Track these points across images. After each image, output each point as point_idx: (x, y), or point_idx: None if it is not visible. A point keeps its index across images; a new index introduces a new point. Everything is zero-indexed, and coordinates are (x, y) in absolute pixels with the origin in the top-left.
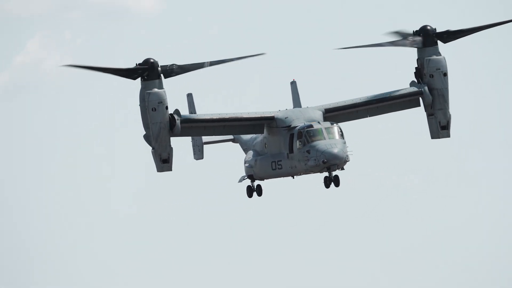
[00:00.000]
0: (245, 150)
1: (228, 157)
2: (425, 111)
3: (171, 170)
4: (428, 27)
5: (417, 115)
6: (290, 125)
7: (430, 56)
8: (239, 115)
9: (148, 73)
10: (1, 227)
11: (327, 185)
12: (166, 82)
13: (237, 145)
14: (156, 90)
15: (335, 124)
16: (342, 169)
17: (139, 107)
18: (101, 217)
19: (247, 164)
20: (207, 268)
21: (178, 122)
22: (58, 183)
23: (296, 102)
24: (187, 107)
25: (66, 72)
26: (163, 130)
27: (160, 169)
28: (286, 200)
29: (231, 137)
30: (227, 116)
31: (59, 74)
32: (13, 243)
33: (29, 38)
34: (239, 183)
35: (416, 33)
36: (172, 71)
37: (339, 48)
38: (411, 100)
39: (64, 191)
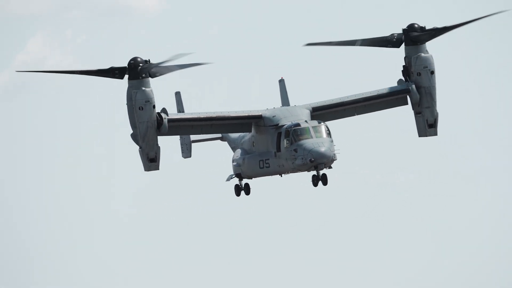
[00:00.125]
0: (233, 149)
1: (216, 155)
2: (413, 109)
3: (158, 169)
4: (416, 25)
5: (405, 113)
6: (278, 124)
7: (418, 54)
8: (226, 114)
9: (134, 72)
10: (0, 227)
11: (315, 184)
12: (155, 80)
13: (226, 144)
14: (143, 89)
15: (322, 123)
16: (330, 167)
17: (126, 106)
18: (94, 217)
19: (235, 163)
20: (195, 267)
21: (165, 121)
22: (58, 183)
23: (285, 100)
24: (175, 105)
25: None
26: (150, 129)
27: (147, 168)
28: (274, 199)
29: (219, 135)
30: (214, 115)
31: (60, 74)
32: (12, 243)
33: (30, 37)
34: (227, 181)
35: (404, 31)
36: (157, 71)
37: (307, 44)
38: (399, 98)
39: (60, 191)
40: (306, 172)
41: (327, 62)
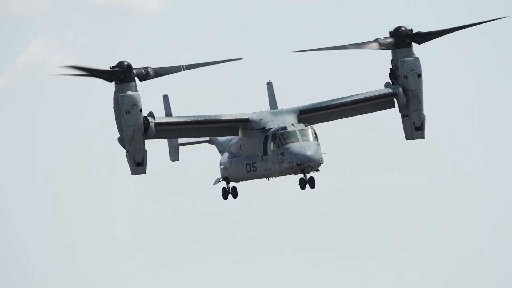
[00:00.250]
0: (221, 152)
1: (204, 158)
2: (400, 112)
3: (145, 173)
4: (402, 28)
5: (392, 116)
6: (265, 127)
7: (404, 57)
8: (213, 118)
9: (124, 75)
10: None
11: (302, 187)
12: (143, 83)
13: (213, 147)
14: (130, 93)
15: (309, 126)
16: (317, 170)
17: (113, 110)
18: (92, 218)
19: (222, 166)
20: (181, 270)
21: (152, 124)
22: (57, 184)
23: (273, 103)
24: (163, 109)
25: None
26: (137, 133)
27: (134, 172)
28: (261, 202)
29: (207, 138)
30: (201, 119)
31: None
32: (11, 243)
33: (31, 38)
34: (214, 185)
35: (390, 35)
36: (148, 74)
37: (296, 51)
38: (386, 101)
39: (59, 191)
40: (293, 176)
41: (314, 65)
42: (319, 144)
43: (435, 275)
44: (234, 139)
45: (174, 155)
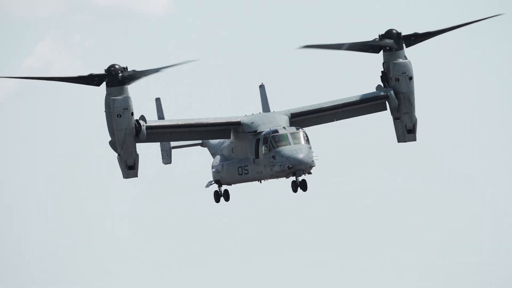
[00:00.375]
0: (213, 155)
1: (196, 161)
2: (391, 114)
3: (136, 177)
4: (394, 31)
5: (384, 119)
6: (256, 130)
7: (396, 60)
8: (205, 121)
9: (112, 79)
10: None
11: (294, 190)
12: (136, 86)
13: (206, 149)
14: (121, 96)
15: (300, 129)
16: (309, 173)
17: (104, 113)
18: (90, 218)
19: (214, 169)
20: (173, 272)
21: (143, 128)
22: (57, 184)
23: (265, 106)
24: (155, 112)
25: (73, 73)
26: (128, 136)
27: (126, 175)
28: (253, 205)
29: (199, 141)
30: (193, 122)
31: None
32: (10, 243)
33: (38, 41)
34: (206, 188)
35: (381, 37)
36: (133, 76)
37: (301, 47)
38: (377, 104)
39: (58, 191)
40: (285, 178)
41: (306, 68)
42: (310, 147)
43: (430, 276)
44: (226, 142)
45: (167, 158)
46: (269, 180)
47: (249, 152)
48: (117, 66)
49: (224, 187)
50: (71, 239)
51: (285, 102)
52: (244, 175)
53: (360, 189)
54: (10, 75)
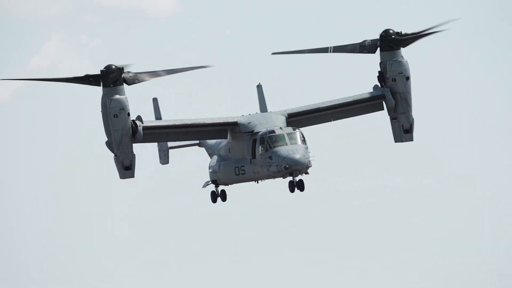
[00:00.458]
0: (210, 155)
1: (193, 161)
2: (388, 114)
3: (133, 177)
4: (391, 31)
5: (381, 119)
6: (253, 131)
7: (393, 60)
8: (201, 121)
9: (108, 79)
10: None
11: (291, 190)
12: (133, 86)
13: (203, 149)
14: (117, 96)
15: (297, 130)
16: (307, 173)
17: (101, 114)
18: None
19: (211, 169)
20: (170, 273)
21: (140, 128)
22: (56, 184)
23: (263, 106)
24: (153, 112)
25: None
26: (125, 137)
27: (122, 176)
28: (250, 205)
29: (196, 141)
30: (189, 122)
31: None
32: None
33: (44, 41)
34: (203, 188)
35: (380, 37)
36: (135, 78)
37: (275, 53)
38: (374, 104)
39: (58, 191)
40: (282, 179)
41: (303, 68)
42: (307, 148)
43: (428, 276)
44: (223, 142)
45: (164, 158)
46: (266, 180)
47: (246, 153)
48: (113, 67)
49: (221, 187)
50: (68, 239)
51: (283, 102)
52: (241, 176)
53: (357, 189)
54: (15, 75)
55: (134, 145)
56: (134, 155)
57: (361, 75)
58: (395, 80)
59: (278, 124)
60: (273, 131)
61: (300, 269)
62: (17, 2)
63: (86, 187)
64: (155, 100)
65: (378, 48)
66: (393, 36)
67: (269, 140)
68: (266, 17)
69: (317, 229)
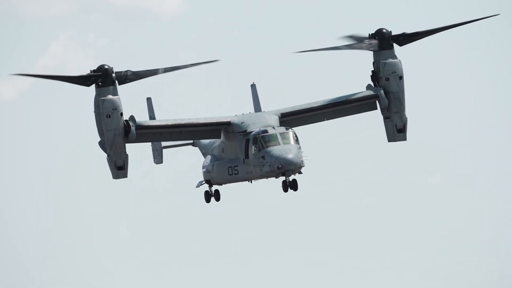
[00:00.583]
0: (204, 154)
1: (187, 161)
2: (382, 114)
3: (126, 177)
4: (384, 30)
5: (374, 118)
6: (246, 130)
7: (386, 59)
8: (194, 121)
9: (102, 79)
10: None
11: (285, 190)
12: (127, 85)
13: (197, 149)
14: (110, 96)
15: (290, 129)
16: (300, 173)
17: (93, 114)
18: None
19: (204, 169)
20: (164, 272)
21: (133, 128)
22: (55, 184)
23: (257, 105)
24: (147, 111)
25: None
26: (117, 137)
27: (115, 176)
28: (244, 205)
29: (190, 141)
30: (182, 122)
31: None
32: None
33: (52, 41)
34: (197, 188)
35: (371, 36)
36: (126, 77)
37: (297, 52)
38: (368, 104)
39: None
40: (275, 178)
41: (297, 67)
42: (300, 147)
43: (426, 276)
44: (217, 142)
45: (158, 158)
46: (259, 180)
47: (239, 152)
48: (106, 67)
49: (214, 187)
50: (60, 239)
51: (277, 101)
52: (234, 175)
53: (351, 189)
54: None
55: (128, 144)
56: (127, 155)
57: (355, 75)
58: (388, 79)
59: (271, 124)
60: (266, 131)
61: (294, 269)
62: (24, 2)
63: (78, 187)
64: (149, 100)
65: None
66: (386, 36)
67: (262, 140)
68: (267, 18)
69: (311, 228)
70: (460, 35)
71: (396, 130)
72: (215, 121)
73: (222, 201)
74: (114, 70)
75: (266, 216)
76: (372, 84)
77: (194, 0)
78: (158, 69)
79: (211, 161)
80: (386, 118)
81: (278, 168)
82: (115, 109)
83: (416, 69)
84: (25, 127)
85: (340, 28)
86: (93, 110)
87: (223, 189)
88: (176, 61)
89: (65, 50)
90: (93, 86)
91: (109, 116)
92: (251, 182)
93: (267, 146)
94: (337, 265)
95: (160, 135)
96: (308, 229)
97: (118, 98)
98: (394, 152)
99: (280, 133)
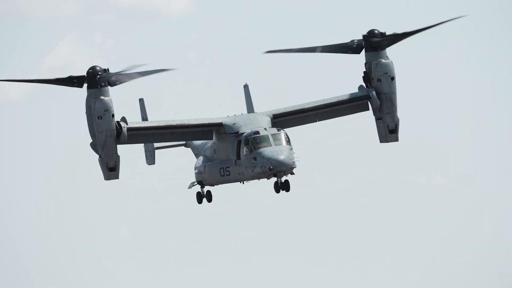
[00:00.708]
0: (196, 155)
1: (180, 162)
2: (374, 115)
3: (118, 178)
4: (376, 31)
5: (366, 119)
6: (238, 131)
7: (378, 60)
8: (186, 122)
9: (88, 81)
10: None
11: (277, 190)
12: (119, 86)
13: (190, 150)
14: (102, 98)
15: (281, 130)
16: (292, 173)
17: (85, 115)
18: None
19: (196, 170)
20: (155, 274)
21: (124, 130)
22: (55, 184)
23: (249, 106)
24: (139, 112)
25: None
26: (109, 138)
27: (107, 177)
28: (236, 206)
29: (183, 142)
30: (174, 123)
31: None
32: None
33: (58, 41)
34: (189, 189)
35: (364, 37)
36: (114, 80)
37: (267, 52)
38: (360, 105)
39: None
40: (267, 179)
41: (289, 68)
42: (291, 149)
43: (426, 276)
44: (209, 143)
45: (150, 159)
46: (251, 181)
47: (231, 153)
48: (97, 68)
49: (206, 188)
50: (54, 239)
51: (269, 102)
52: (226, 176)
53: (343, 190)
54: (28, 75)
55: (121, 145)
56: (118, 156)
57: (346, 76)
58: (380, 80)
59: (263, 125)
60: (257, 132)
61: (287, 270)
62: (31, 3)
63: (70, 188)
64: (141, 101)
65: (363, 49)
66: (376, 37)
67: (254, 141)
68: (267, 18)
69: (303, 229)
70: (455, 34)
71: (388, 131)
72: (207, 122)
73: (214, 202)
74: (105, 71)
75: (258, 217)
76: (364, 85)
77: (200, 0)
78: (129, 72)
79: (203, 162)
80: (378, 119)
81: (269, 169)
82: (107, 111)
83: (408, 70)
84: (26, 127)
85: (340, 28)
86: (85, 111)
87: (215, 190)
88: (181, 61)
89: (72, 50)
90: (85, 87)
91: (101, 118)
92: (243, 183)
93: (259, 147)
94: (331, 266)
95: (152, 136)
96: (300, 230)
97: (110, 99)
98: (386, 153)
99: (272, 134)
